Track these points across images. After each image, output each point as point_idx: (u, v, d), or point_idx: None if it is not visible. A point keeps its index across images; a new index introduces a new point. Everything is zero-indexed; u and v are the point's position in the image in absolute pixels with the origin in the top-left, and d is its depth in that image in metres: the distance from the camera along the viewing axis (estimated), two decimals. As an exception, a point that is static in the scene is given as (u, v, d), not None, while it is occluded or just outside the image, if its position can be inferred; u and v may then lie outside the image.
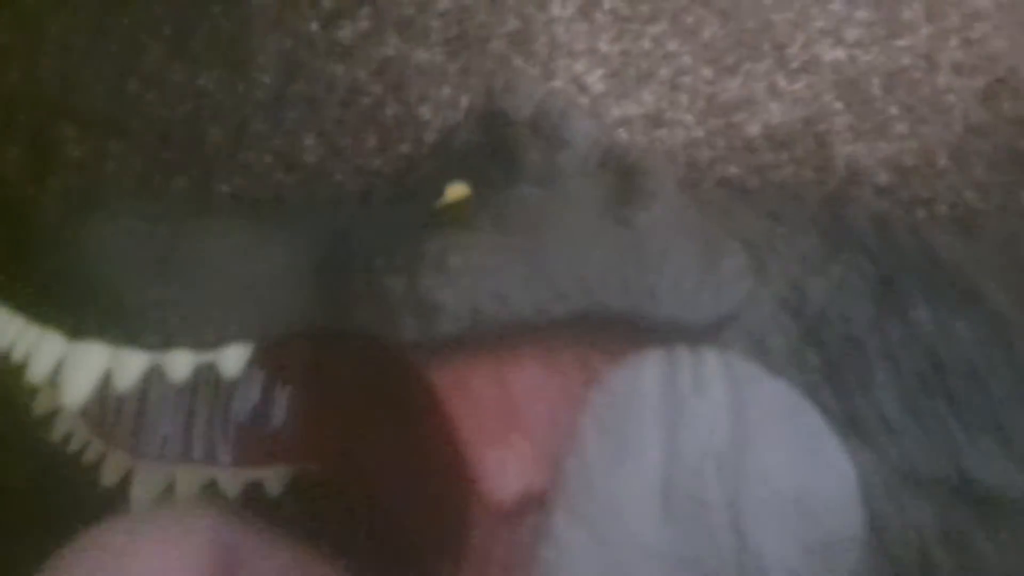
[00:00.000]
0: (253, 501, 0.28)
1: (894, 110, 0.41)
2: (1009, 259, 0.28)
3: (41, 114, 0.42)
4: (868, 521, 0.22)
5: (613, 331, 0.23)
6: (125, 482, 0.31)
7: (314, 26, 0.42)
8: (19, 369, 0.28)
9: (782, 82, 0.41)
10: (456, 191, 0.27)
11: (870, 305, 0.25)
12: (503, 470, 0.23)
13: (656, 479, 0.21)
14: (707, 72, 0.42)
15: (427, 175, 0.28)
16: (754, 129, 0.41)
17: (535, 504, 0.22)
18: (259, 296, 0.26)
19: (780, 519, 0.21)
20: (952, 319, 0.24)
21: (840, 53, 0.42)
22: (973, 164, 0.40)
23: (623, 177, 0.26)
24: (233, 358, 0.26)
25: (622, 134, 0.41)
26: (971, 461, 0.23)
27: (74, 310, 0.27)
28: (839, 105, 0.41)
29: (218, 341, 0.26)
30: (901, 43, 0.42)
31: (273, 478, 0.28)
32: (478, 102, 0.29)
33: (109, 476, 0.31)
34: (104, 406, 0.30)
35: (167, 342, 0.26)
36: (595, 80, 0.42)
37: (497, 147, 0.27)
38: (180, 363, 0.26)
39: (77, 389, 0.27)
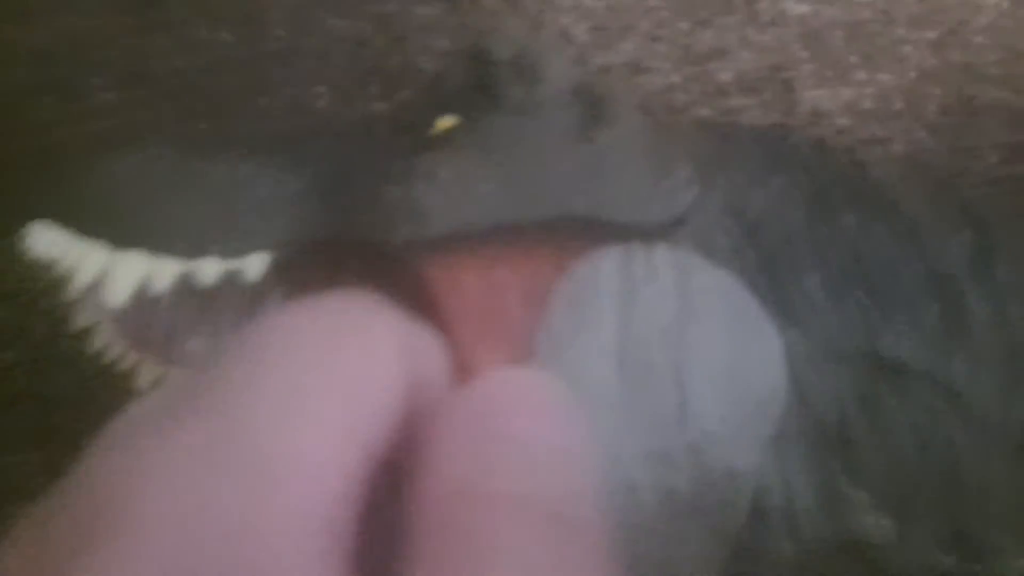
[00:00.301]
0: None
1: (854, 59, 0.44)
2: (937, 184, 0.32)
3: (73, 65, 0.46)
4: (793, 386, 0.26)
5: (580, 232, 0.27)
6: (157, 386, 0.35)
7: (323, -17, 0.46)
8: (62, 282, 0.32)
9: (752, 34, 0.45)
10: (445, 122, 0.31)
11: (804, 212, 0.28)
12: (490, 350, 0.27)
13: (612, 347, 0.25)
14: (684, 25, 0.45)
15: (421, 110, 0.32)
16: (726, 76, 0.45)
17: None
18: (276, 212, 0.30)
19: (715, 379, 0.25)
20: (874, 223, 0.28)
21: (805, 8, 0.45)
22: (925, 107, 0.44)
23: (590, 105, 0.30)
24: (256, 264, 0.30)
25: (605, 79, 0.45)
26: (884, 338, 0.26)
27: (117, 223, 0.31)
28: (804, 54, 0.45)
29: (243, 249, 0.30)
30: (862, -2, 0.45)
31: None
32: (468, 45, 0.32)
33: (143, 382, 0.35)
34: (139, 316, 0.34)
35: (198, 250, 0.30)
36: (580, 32, 0.45)
37: (482, 84, 0.31)
38: (210, 268, 0.30)
39: (119, 291, 0.31)
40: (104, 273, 0.32)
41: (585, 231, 0.27)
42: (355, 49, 0.45)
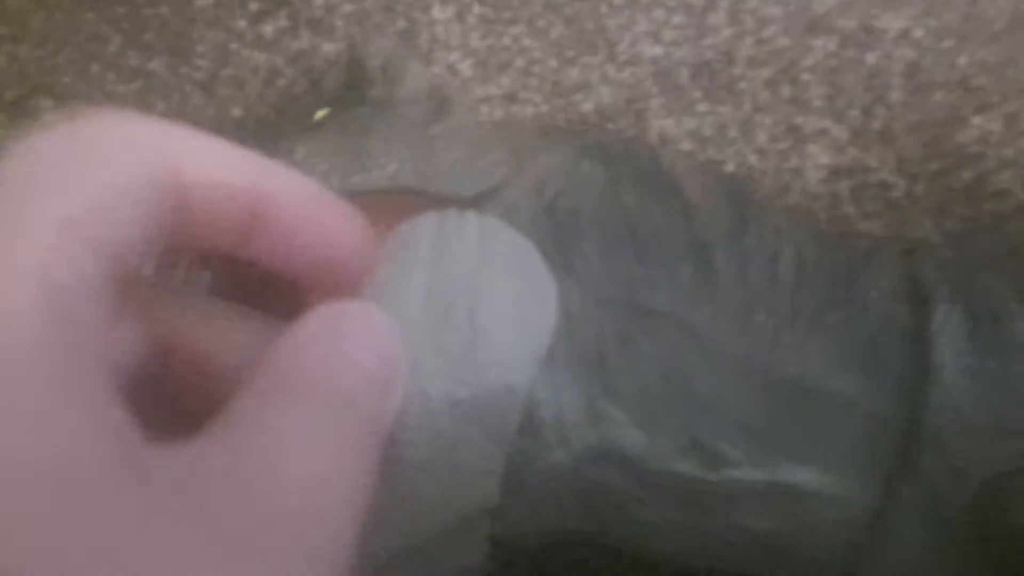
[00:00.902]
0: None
1: (698, 94, 0.52)
2: (716, 178, 0.39)
3: (23, 89, 0.52)
4: (565, 323, 0.32)
5: (410, 201, 0.34)
6: None
7: (243, 23, 0.53)
8: None
9: (612, 71, 0.52)
10: (321, 113, 0.38)
11: (595, 192, 0.35)
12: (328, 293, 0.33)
13: (422, 289, 0.31)
14: (553, 63, 0.53)
15: (303, 106, 0.39)
16: (588, 107, 0.52)
17: None
18: None
19: (501, 315, 0.31)
20: (652, 203, 0.35)
21: (658, 50, 0.53)
22: (757, 135, 0.51)
23: (437, 103, 0.37)
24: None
25: (484, 108, 0.52)
26: (643, 290, 0.33)
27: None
28: (655, 90, 0.52)
29: None
30: (706, 42, 0.53)
31: None
32: (345, 52, 0.40)
33: None
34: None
35: None
36: (465, 68, 0.53)
37: (355, 84, 0.38)
38: None
39: None
40: None
41: (414, 200, 0.34)
42: (269, 79, 0.52)
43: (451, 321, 0.31)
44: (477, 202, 0.34)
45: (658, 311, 0.33)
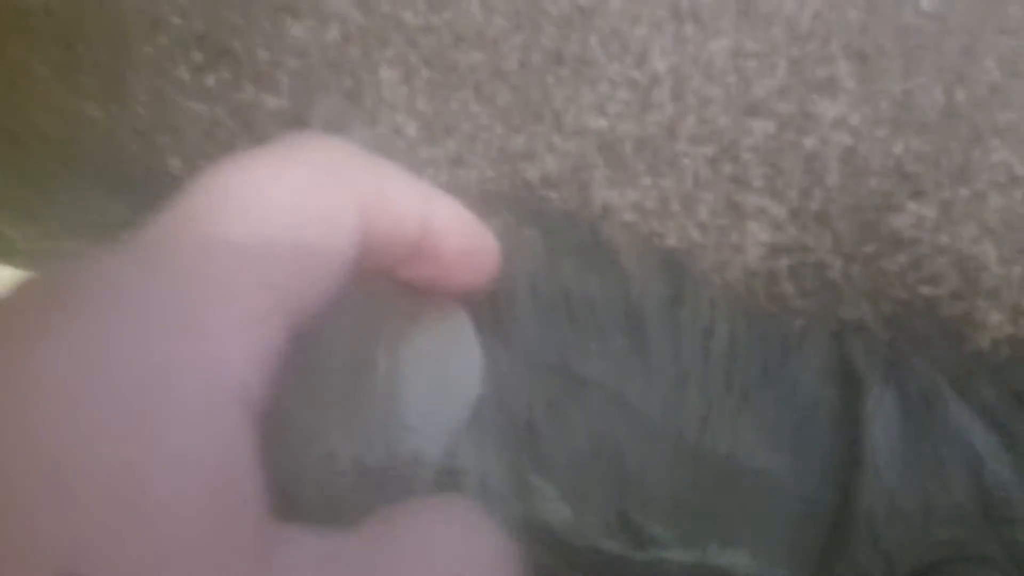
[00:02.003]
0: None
1: (641, 167, 0.52)
2: (654, 251, 0.38)
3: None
4: (494, 389, 0.31)
5: None
6: None
7: (184, 73, 0.52)
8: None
9: (557, 141, 0.52)
10: None
11: (532, 259, 0.35)
12: None
13: (348, 341, 0.30)
14: (499, 129, 0.53)
15: None
16: (533, 174, 0.52)
17: None
18: (112, 235, 0.35)
19: (423, 381, 0.30)
20: (589, 273, 0.34)
21: (603, 122, 0.53)
22: (699, 210, 0.51)
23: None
24: None
25: (429, 171, 0.51)
26: (576, 358, 0.32)
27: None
28: (600, 161, 0.52)
29: None
30: (650, 118, 0.53)
31: None
32: (289, 111, 0.39)
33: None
34: None
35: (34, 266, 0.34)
36: (411, 130, 0.52)
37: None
38: None
39: None
40: None
41: None
42: (209, 129, 0.51)
43: (370, 379, 0.30)
44: None
45: (590, 380, 0.32)
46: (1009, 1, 0.60)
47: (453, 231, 0.27)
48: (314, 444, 0.28)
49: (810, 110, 0.56)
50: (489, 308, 0.33)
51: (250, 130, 0.52)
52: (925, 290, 0.50)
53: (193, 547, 0.15)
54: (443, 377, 0.30)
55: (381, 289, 0.32)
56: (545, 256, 0.35)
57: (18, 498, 0.14)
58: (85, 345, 0.16)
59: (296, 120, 0.39)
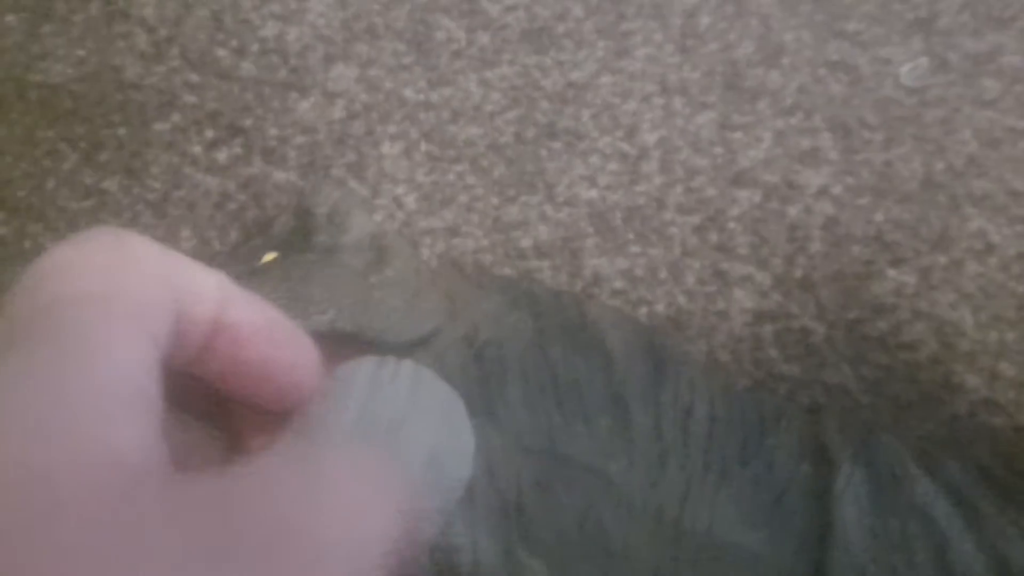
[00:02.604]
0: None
1: (630, 236, 0.54)
2: (637, 331, 0.41)
3: (-25, 202, 0.53)
4: (485, 470, 0.33)
5: (352, 344, 0.35)
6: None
7: (197, 148, 0.55)
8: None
9: (550, 211, 0.55)
10: (268, 257, 0.40)
11: (522, 343, 0.37)
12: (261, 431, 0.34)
13: (348, 430, 0.32)
14: (495, 200, 0.55)
15: (253, 247, 0.40)
16: (526, 243, 0.54)
17: None
18: None
19: (421, 460, 0.32)
20: (576, 357, 0.37)
21: (594, 193, 0.55)
22: (686, 277, 0.54)
23: (377, 252, 0.39)
24: None
25: (427, 239, 0.54)
26: (563, 439, 0.34)
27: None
28: (590, 230, 0.55)
29: None
30: (639, 188, 0.56)
31: None
32: (295, 201, 0.42)
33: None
34: None
35: None
36: (410, 201, 0.55)
37: (302, 231, 0.40)
38: None
39: None
40: None
41: (353, 344, 0.35)
42: (219, 202, 0.54)
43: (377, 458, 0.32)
44: (411, 349, 0.36)
45: (575, 461, 0.34)
46: (985, 75, 0.63)
47: (256, 336, 0.25)
48: None
49: (794, 180, 0.58)
50: (480, 392, 0.35)
51: (258, 202, 0.54)
52: (905, 355, 0.52)
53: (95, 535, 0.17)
54: (439, 463, 0.33)
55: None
56: (535, 339, 0.37)
57: None
58: None
59: (301, 211, 0.41)
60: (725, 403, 0.37)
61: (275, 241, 0.41)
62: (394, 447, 0.33)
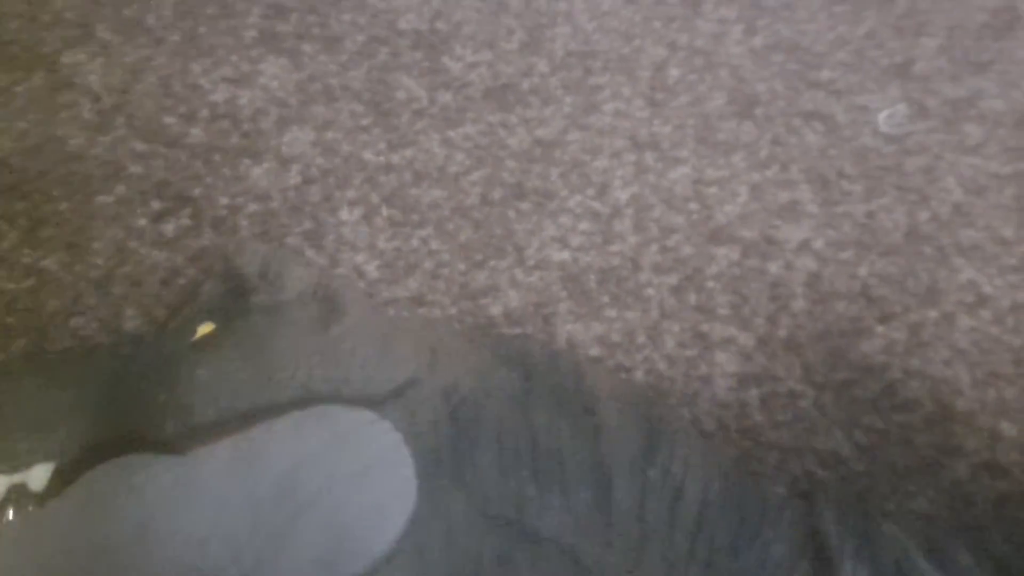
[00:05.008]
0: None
1: (606, 299, 0.51)
2: (633, 398, 0.37)
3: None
4: (443, 538, 0.30)
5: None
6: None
7: (143, 221, 0.52)
8: None
9: (520, 275, 0.52)
10: (204, 328, 0.36)
11: (503, 404, 0.33)
12: None
13: (282, 474, 0.29)
14: (461, 266, 0.52)
15: (184, 320, 0.37)
16: (496, 310, 0.51)
17: None
18: (55, 424, 0.34)
19: (331, 524, 0.29)
20: (562, 422, 0.33)
21: (566, 255, 0.53)
22: (665, 341, 0.50)
23: (326, 302, 0.36)
24: (39, 475, 0.34)
25: (391, 310, 0.51)
26: (534, 511, 0.31)
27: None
28: (563, 294, 0.52)
29: (27, 463, 0.33)
30: (613, 248, 0.53)
31: None
32: (219, 263, 0.39)
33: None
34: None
35: None
36: (372, 269, 0.52)
37: (235, 293, 0.37)
38: None
39: None
40: None
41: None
42: (167, 277, 0.50)
43: (294, 506, 0.29)
44: (389, 400, 0.33)
45: (544, 537, 0.31)
46: (966, 120, 0.61)
47: None
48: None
49: (773, 235, 0.56)
50: (450, 452, 0.32)
51: (209, 276, 0.51)
52: (899, 417, 0.49)
53: None
54: (354, 529, 0.29)
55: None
56: (519, 400, 0.34)
57: None
58: None
59: (230, 273, 0.38)
60: (723, 487, 0.34)
61: (206, 310, 0.38)
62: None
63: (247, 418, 0.32)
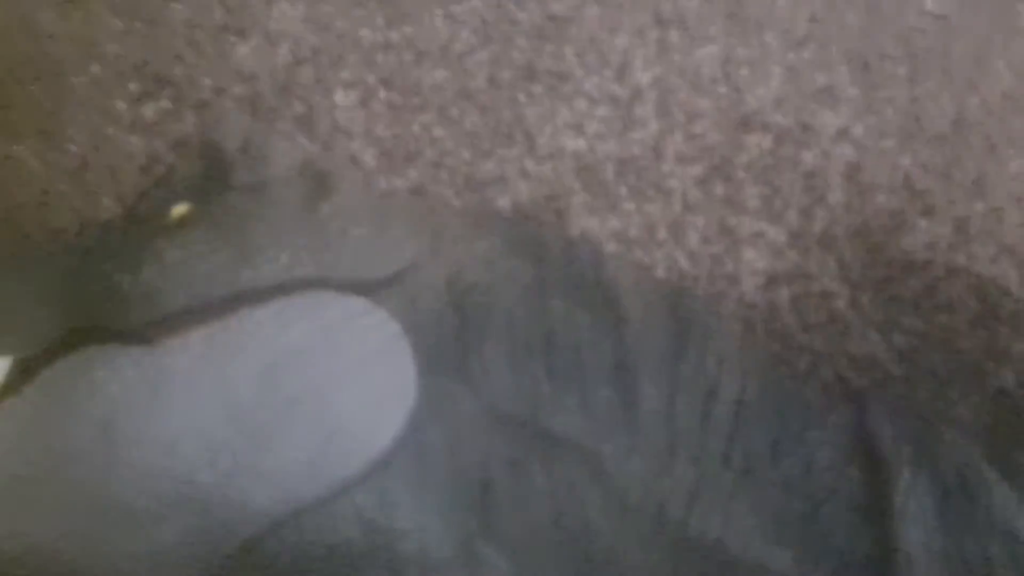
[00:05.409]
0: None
1: (624, 191, 0.47)
2: (664, 292, 0.34)
3: None
4: (446, 440, 0.27)
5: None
6: None
7: (121, 104, 0.47)
8: None
9: (530, 165, 0.48)
10: (179, 209, 0.32)
11: (516, 292, 0.30)
12: None
13: (264, 368, 0.26)
14: (466, 154, 0.48)
15: (157, 202, 0.33)
16: (504, 203, 0.47)
17: None
18: (14, 316, 0.31)
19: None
20: (581, 312, 0.30)
21: (581, 143, 0.48)
22: (689, 236, 0.47)
23: (314, 180, 0.32)
24: None
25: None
26: (549, 411, 0.28)
27: None
28: (578, 185, 0.47)
29: None
30: (633, 136, 0.49)
31: None
32: (195, 136, 0.34)
33: None
34: None
35: None
36: (368, 158, 0.48)
37: (213, 172, 0.33)
38: None
39: None
40: None
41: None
42: (146, 164, 0.46)
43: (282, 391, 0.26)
44: (378, 288, 0.29)
45: (561, 439, 0.27)
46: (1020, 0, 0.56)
47: None
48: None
49: (809, 122, 0.51)
50: (455, 345, 0.28)
51: (191, 163, 0.47)
52: (942, 319, 0.46)
53: None
54: (349, 427, 0.26)
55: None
56: (532, 290, 0.30)
57: None
58: None
59: (207, 150, 0.34)
60: (760, 387, 0.30)
61: (181, 189, 0.34)
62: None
63: (224, 306, 0.28)
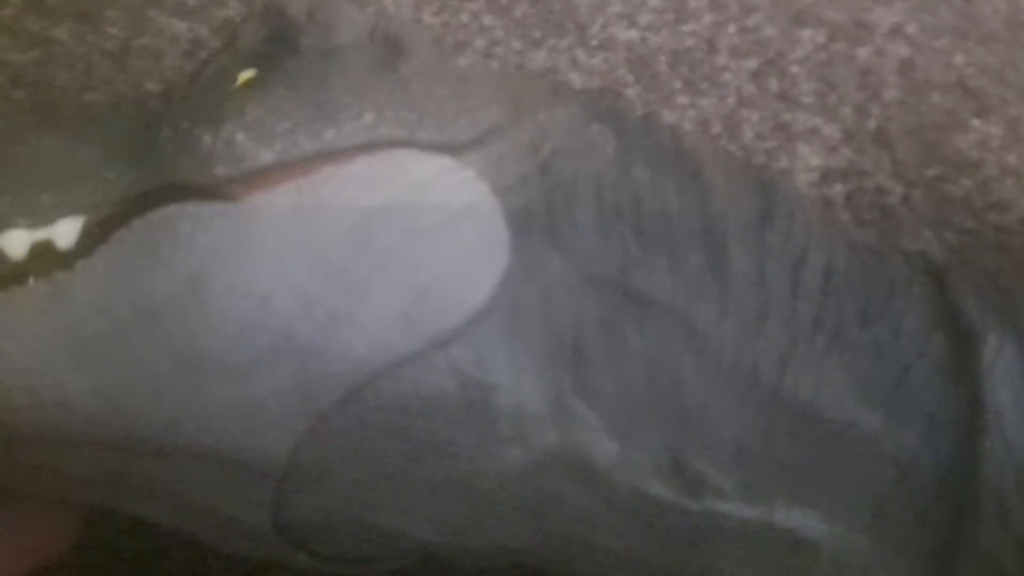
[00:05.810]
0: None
1: (677, 84, 0.46)
2: (741, 163, 0.33)
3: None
4: (538, 300, 0.26)
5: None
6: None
7: (162, -15, 0.46)
8: None
9: (582, 56, 0.47)
10: (246, 75, 0.31)
11: (600, 159, 0.29)
12: None
13: (354, 224, 0.26)
14: (517, 44, 0.47)
15: (219, 70, 0.32)
16: (556, 95, 0.46)
17: None
18: (83, 176, 0.30)
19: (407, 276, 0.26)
20: (666, 180, 0.29)
21: (634, 34, 0.47)
22: (743, 131, 0.46)
23: (387, 44, 0.31)
24: (66, 231, 0.29)
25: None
26: (641, 274, 0.27)
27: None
28: (631, 78, 0.47)
29: (50, 218, 0.29)
30: (686, 28, 0.48)
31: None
32: (258, 3, 0.33)
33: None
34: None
35: (2, 224, 0.29)
36: (417, 47, 0.46)
37: (279, 39, 0.31)
38: (17, 241, 0.29)
39: None
40: None
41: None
42: (190, 49, 0.45)
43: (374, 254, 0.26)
44: (460, 150, 0.28)
45: (653, 300, 0.27)
46: None
47: None
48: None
49: (863, 18, 0.50)
50: (543, 208, 0.28)
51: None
52: (993, 217, 0.45)
53: None
54: (441, 282, 0.26)
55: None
56: (617, 157, 0.30)
57: None
58: None
59: (271, 15, 0.33)
60: (847, 258, 0.30)
61: (245, 56, 0.32)
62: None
63: (309, 163, 0.27)
